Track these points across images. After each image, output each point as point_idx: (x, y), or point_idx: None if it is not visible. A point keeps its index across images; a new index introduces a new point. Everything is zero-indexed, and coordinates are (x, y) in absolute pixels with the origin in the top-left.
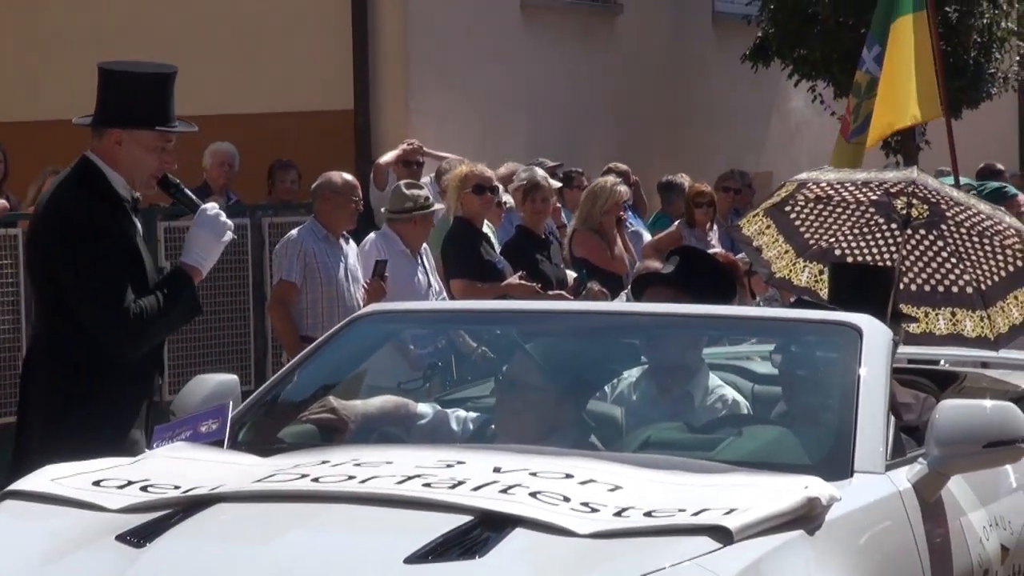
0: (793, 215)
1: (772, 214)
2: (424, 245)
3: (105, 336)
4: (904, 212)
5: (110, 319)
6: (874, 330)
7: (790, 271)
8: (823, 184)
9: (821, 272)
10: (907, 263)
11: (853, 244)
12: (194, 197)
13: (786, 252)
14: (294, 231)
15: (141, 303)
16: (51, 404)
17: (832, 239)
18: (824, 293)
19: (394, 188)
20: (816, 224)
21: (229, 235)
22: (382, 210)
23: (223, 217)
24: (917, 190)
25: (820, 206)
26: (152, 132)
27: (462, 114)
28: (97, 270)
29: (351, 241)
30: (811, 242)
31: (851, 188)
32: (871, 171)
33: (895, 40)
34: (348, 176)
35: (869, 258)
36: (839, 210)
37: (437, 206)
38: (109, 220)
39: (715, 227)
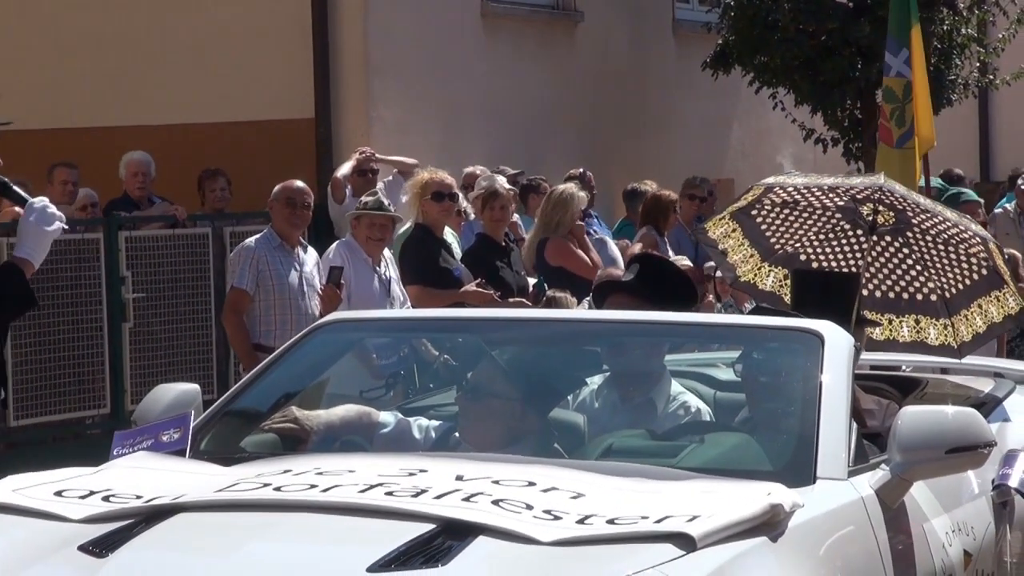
0: (759, 219)
1: (738, 217)
2: (388, 254)
3: None
4: (870, 218)
5: None
6: (836, 337)
7: (755, 275)
8: (790, 188)
9: (786, 277)
10: (872, 270)
11: (819, 249)
12: (22, 192)
13: (751, 256)
14: (251, 239)
15: None
16: None
17: (798, 244)
18: (788, 299)
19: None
20: (782, 229)
21: (58, 225)
22: (346, 215)
23: (51, 209)
24: (884, 196)
25: (787, 211)
26: None
27: (423, 123)
28: None
29: (309, 249)
30: (776, 247)
31: (818, 193)
32: (838, 176)
33: (917, 42)
34: (300, 184)
35: (834, 263)
36: (805, 215)
37: (393, 213)
38: None
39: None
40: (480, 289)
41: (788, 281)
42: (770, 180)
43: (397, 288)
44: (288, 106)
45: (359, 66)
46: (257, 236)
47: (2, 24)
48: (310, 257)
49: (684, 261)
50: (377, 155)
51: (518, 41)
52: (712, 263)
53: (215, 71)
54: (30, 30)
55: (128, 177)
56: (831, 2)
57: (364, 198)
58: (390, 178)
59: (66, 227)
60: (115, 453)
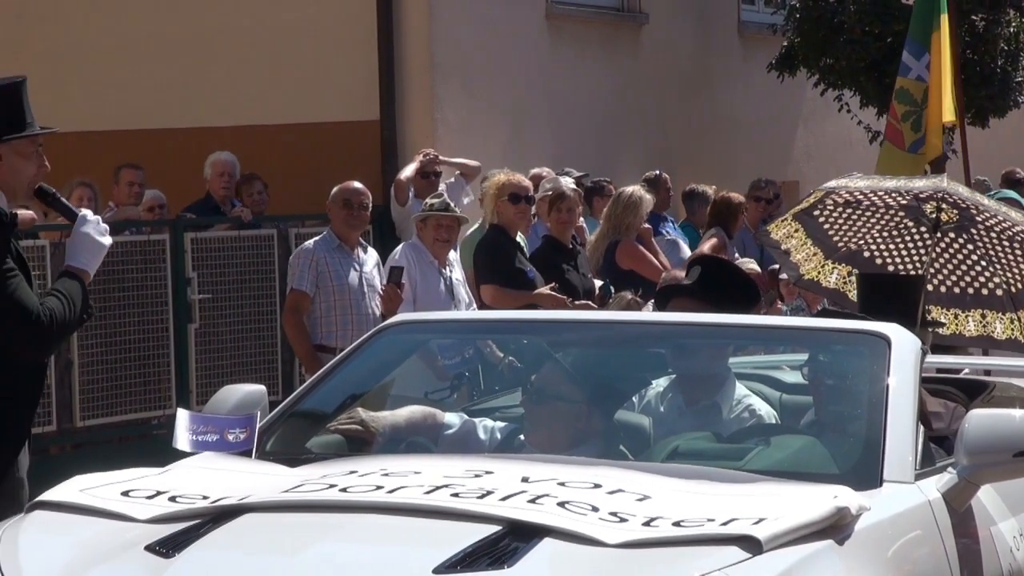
0: (822, 219)
1: (800, 218)
2: (453, 256)
3: (14, 337)
4: (933, 216)
5: (18, 319)
6: (902, 339)
7: (819, 273)
8: (852, 190)
9: (849, 274)
10: (936, 265)
11: (882, 246)
12: (70, 204)
13: (815, 254)
14: (310, 241)
15: (48, 304)
16: None
17: (861, 241)
18: (853, 295)
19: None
20: (845, 227)
21: (109, 239)
22: (411, 218)
23: (101, 222)
24: (947, 196)
25: (849, 210)
26: (27, 139)
27: (487, 124)
28: (5, 281)
29: (369, 250)
30: (840, 245)
31: (880, 193)
32: (900, 179)
33: (937, 48)
34: (357, 185)
35: (898, 259)
36: (868, 214)
37: (460, 213)
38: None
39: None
40: (554, 293)
41: (852, 278)
42: (832, 183)
43: (462, 290)
44: (353, 108)
45: (424, 68)
46: (316, 238)
47: (69, 26)
48: (370, 258)
49: (750, 264)
50: (440, 157)
51: (583, 43)
52: (777, 267)
53: (281, 73)
54: (97, 32)
55: (214, 177)
56: (897, 4)
57: (430, 200)
58: (452, 180)
59: (108, 241)
60: (178, 432)
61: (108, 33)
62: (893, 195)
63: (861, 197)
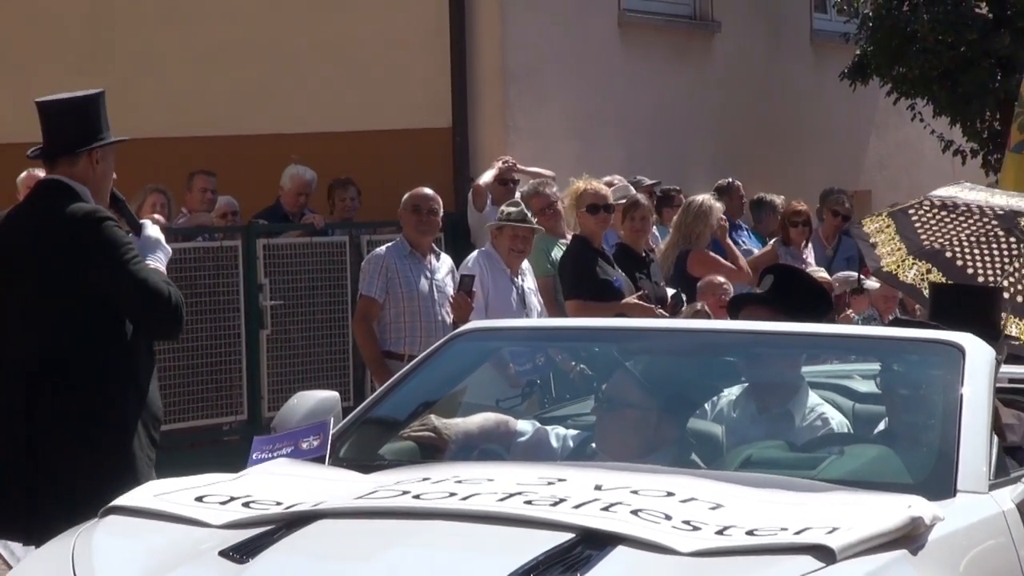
0: (915, 218)
1: (895, 216)
2: (526, 264)
3: (154, 320)
4: None
5: (158, 303)
6: (976, 349)
7: (898, 267)
8: (956, 198)
9: (928, 271)
10: (1017, 275)
11: (967, 250)
12: (134, 215)
13: (898, 249)
14: (382, 248)
15: (173, 287)
16: (76, 417)
17: (946, 242)
18: (928, 293)
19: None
20: (935, 227)
21: (168, 248)
22: (486, 226)
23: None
24: None
25: (943, 212)
26: (111, 147)
27: (559, 132)
28: (134, 259)
29: (442, 256)
30: (925, 243)
31: (982, 204)
32: (1012, 197)
33: None
34: (427, 191)
35: (979, 264)
36: (961, 218)
37: (536, 226)
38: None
39: (810, 245)
40: (641, 302)
41: (929, 276)
42: (941, 191)
43: (534, 299)
44: (425, 115)
45: (496, 75)
46: (388, 244)
47: (143, 34)
48: (443, 264)
49: (821, 273)
50: (518, 165)
51: (655, 51)
52: (846, 272)
53: (353, 80)
54: (169, 39)
55: (291, 192)
56: (971, 13)
57: (506, 208)
58: (526, 188)
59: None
60: (254, 458)
61: (182, 41)
62: (994, 206)
63: (959, 202)
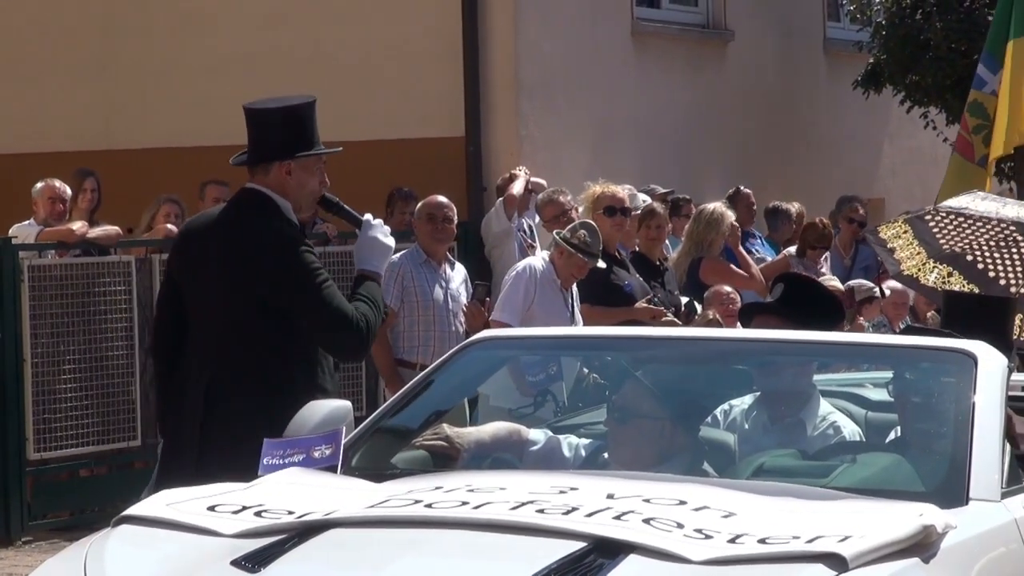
0: (932, 224)
1: (912, 222)
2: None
3: (338, 344)
4: None
5: (343, 327)
6: (989, 357)
7: (919, 270)
8: (970, 208)
9: (950, 274)
10: None
11: (987, 253)
12: (353, 211)
13: (918, 253)
14: (397, 255)
15: (360, 309)
16: (249, 427)
17: (966, 245)
18: (942, 302)
19: (583, 221)
20: (953, 232)
21: (392, 240)
22: (554, 233)
23: (384, 224)
24: None
25: (960, 218)
26: (314, 157)
27: (572, 141)
28: (321, 284)
29: (457, 265)
30: (945, 247)
31: (993, 214)
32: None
33: (1011, 62)
34: (441, 199)
35: (1000, 267)
36: (979, 224)
37: (600, 264)
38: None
39: (826, 254)
40: (650, 306)
41: (951, 279)
42: (952, 202)
43: (578, 314)
44: (438, 124)
45: (509, 84)
46: (403, 252)
47: (155, 42)
48: (458, 274)
49: (833, 281)
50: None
51: (668, 59)
52: (859, 281)
53: (366, 90)
54: (181, 49)
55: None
56: (984, 21)
57: (583, 235)
58: (541, 195)
59: (391, 242)
60: (264, 462)
61: (193, 49)
62: (1008, 220)
63: (973, 211)
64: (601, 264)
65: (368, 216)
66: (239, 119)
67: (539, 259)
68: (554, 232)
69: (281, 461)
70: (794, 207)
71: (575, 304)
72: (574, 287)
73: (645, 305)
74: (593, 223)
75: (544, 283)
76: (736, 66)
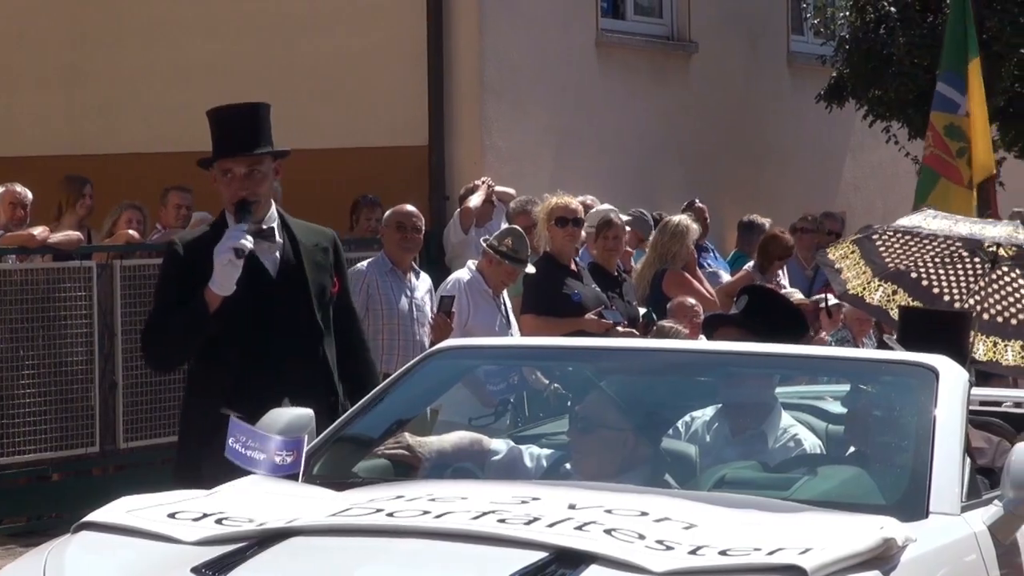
0: (879, 242)
1: (859, 242)
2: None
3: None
4: (991, 249)
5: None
6: (950, 371)
7: (864, 289)
8: (923, 228)
9: (894, 292)
10: (983, 294)
11: (931, 270)
12: (253, 224)
13: (864, 272)
14: (363, 263)
15: (153, 319)
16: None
17: (911, 263)
18: (895, 314)
19: (510, 227)
20: (900, 251)
21: (228, 255)
22: (482, 240)
23: (231, 241)
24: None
25: (907, 237)
26: (216, 165)
27: (536, 151)
28: (155, 294)
29: (422, 275)
30: (890, 265)
31: (946, 231)
32: (975, 224)
33: (973, 79)
34: (410, 208)
35: (944, 284)
36: (925, 241)
37: (529, 269)
38: None
39: (784, 267)
40: (596, 319)
41: (896, 297)
42: (904, 221)
43: (514, 320)
44: (402, 133)
45: (473, 94)
46: (369, 260)
47: (123, 51)
48: (422, 283)
49: (797, 295)
50: (496, 187)
51: (632, 71)
52: (821, 296)
53: (330, 98)
54: (147, 56)
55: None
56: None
57: (509, 242)
58: (513, 205)
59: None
60: (230, 443)
61: (160, 58)
62: (958, 236)
63: (923, 229)
64: (530, 269)
65: (235, 232)
66: (203, 126)
67: (464, 270)
68: (481, 239)
69: (242, 449)
70: (768, 222)
71: (508, 310)
72: (504, 294)
73: (593, 317)
74: (520, 229)
75: (474, 292)
76: (700, 78)
